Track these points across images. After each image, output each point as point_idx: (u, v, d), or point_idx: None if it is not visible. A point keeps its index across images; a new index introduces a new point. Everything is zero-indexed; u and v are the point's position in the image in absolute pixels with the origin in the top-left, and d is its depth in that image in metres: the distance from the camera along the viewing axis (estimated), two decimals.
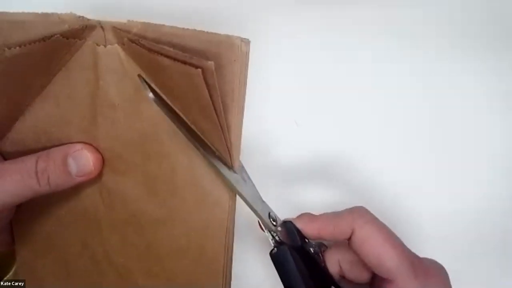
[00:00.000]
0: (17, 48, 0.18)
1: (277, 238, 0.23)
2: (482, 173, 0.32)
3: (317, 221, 0.24)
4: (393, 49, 0.31)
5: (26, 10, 0.19)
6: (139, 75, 0.21)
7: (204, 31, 0.18)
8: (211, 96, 0.18)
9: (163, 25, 0.19)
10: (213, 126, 0.20)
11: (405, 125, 0.32)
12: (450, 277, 0.23)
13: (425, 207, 0.32)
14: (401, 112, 0.32)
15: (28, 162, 0.22)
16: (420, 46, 0.31)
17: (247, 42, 0.18)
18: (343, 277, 0.25)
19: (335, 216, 0.24)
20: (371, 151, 0.31)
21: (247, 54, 0.18)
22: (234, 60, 0.18)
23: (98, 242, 0.26)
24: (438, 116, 0.32)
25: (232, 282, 0.25)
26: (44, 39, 0.19)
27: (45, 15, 0.19)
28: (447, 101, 0.32)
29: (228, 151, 0.21)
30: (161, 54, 0.18)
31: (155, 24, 0.19)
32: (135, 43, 0.19)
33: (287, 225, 0.25)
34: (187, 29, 0.18)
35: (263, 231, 0.24)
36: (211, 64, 0.17)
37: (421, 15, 0.31)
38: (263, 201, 0.24)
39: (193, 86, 0.18)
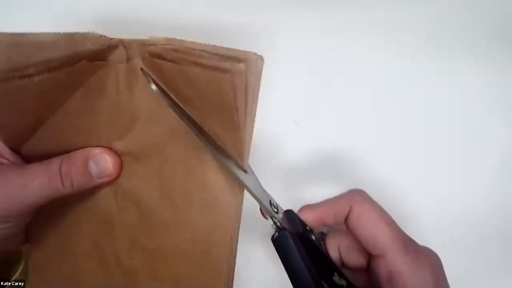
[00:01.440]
0: (45, 74, 0.20)
1: (278, 224, 0.24)
2: (483, 173, 0.32)
3: (318, 208, 0.25)
4: (393, 49, 0.32)
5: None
6: (141, 69, 0.22)
7: (223, 47, 0.19)
8: (236, 98, 0.19)
9: (184, 40, 0.20)
10: (230, 128, 0.21)
11: (405, 125, 0.32)
12: (450, 276, 0.24)
13: (425, 207, 0.32)
14: (401, 111, 0.32)
15: (53, 165, 0.24)
16: (421, 46, 0.32)
17: (262, 58, 0.19)
18: (343, 265, 0.26)
19: (334, 198, 0.25)
20: (371, 152, 0.32)
21: (261, 69, 0.19)
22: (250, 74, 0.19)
23: (108, 242, 0.27)
24: (438, 116, 0.32)
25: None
26: (69, 61, 0.20)
27: (69, 35, 0.20)
28: (447, 101, 0.32)
29: (241, 149, 0.22)
30: (189, 63, 0.19)
31: (176, 39, 0.20)
32: (158, 57, 0.21)
33: (289, 213, 0.25)
34: (207, 44, 0.19)
35: (265, 218, 0.24)
36: (242, 66, 0.18)
37: (421, 15, 0.31)
38: (264, 190, 0.25)
39: (219, 91, 0.19)
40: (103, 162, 0.25)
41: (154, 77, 0.23)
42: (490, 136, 0.32)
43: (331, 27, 0.32)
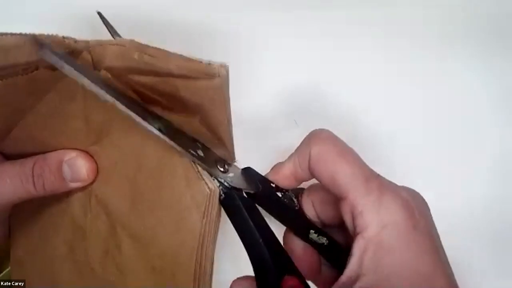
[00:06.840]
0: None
1: (226, 184, 0.21)
2: (482, 173, 0.32)
3: (285, 164, 0.23)
4: (393, 48, 0.32)
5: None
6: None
7: (187, 58, 0.17)
8: (212, 119, 0.18)
9: (148, 46, 0.18)
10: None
11: (405, 125, 0.32)
12: None
13: None
14: (399, 112, 0.32)
15: (26, 166, 0.23)
16: (421, 46, 0.32)
17: (225, 67, 0.17)
18: (324, 224, 0.24)
19: (297, 148, 0.23)
20: (371, 151, 0.32)
21: (226, 79, 0.17)
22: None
23: (82, 248, 0.26)
24: (437, 115, 0.32)
25: None
26: (25, 69, 0.18)
27: (32, 38, 0.18)
28: (447, 101, 0.32)
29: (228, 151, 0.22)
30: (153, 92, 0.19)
31: (142, 45, 0.18)
32: (122, 78, 0.20)
33: (247, 172, 0.23)
34: (171, 53, 0.17)
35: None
36: (218, 80, 0.17)
37: (421, 15, 0.31)
38: (209, 148, 0.23)
39: (190, 124, 0.19)
40: (77, 166, 0.24)
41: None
42: (489, 135, 0.32)
43: (331, 27, 0.32)
